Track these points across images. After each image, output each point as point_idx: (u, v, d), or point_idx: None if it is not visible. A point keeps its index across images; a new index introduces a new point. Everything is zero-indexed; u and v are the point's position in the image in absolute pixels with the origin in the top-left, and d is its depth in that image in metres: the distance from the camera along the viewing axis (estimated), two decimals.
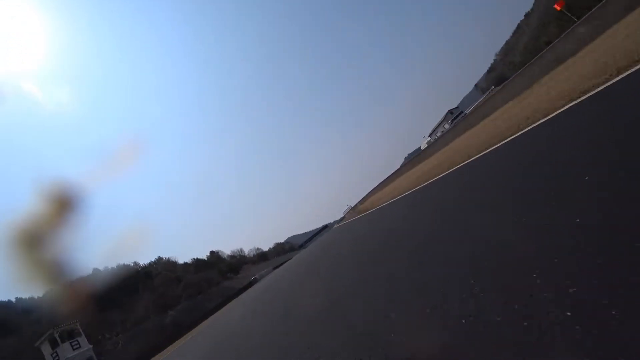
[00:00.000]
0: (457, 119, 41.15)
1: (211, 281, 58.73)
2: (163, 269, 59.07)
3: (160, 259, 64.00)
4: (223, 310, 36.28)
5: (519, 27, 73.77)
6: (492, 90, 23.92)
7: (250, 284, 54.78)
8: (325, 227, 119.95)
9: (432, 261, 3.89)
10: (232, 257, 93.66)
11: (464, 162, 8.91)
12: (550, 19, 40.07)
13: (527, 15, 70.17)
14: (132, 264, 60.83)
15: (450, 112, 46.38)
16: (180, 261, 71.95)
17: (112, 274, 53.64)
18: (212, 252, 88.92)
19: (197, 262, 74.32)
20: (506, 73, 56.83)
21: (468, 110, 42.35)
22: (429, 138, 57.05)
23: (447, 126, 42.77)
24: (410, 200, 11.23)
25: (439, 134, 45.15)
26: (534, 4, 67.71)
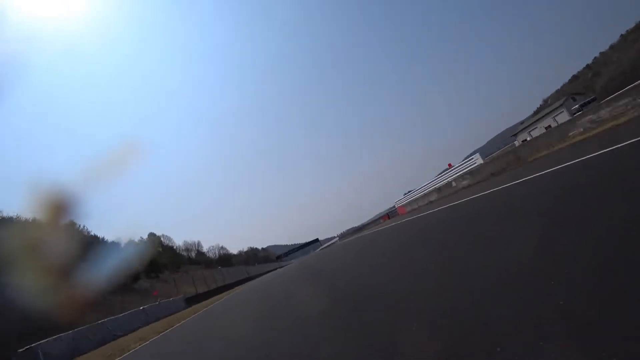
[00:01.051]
0: (586, 108, 28.47)
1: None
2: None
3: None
4: None
5: (574, 77, 71.73)
6: None
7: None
8: (315, 240, 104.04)
9: None
10: (173, 249, 63.25)
11: None
12: None
13: (588, 66, 68.30)
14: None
15: (573, 97, 33.75)
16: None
17: None
18: (151, 235, 58.69)
19: None
20: None
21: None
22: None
23: (559, 118, 31.00)
24: None
25: (535, 132, 33.51)
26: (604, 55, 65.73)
